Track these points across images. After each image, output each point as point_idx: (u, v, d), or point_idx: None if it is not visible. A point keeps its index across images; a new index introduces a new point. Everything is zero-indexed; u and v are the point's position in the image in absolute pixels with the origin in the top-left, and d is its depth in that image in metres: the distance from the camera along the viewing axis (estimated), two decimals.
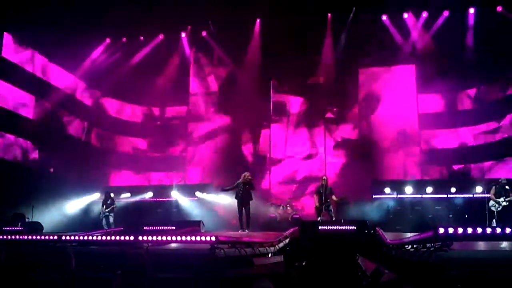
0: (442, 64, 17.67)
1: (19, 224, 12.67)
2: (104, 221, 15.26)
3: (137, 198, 17.86)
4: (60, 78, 18.35)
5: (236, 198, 12.51)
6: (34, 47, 17.09)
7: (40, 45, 17.07)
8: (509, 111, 17.11)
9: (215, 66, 21.26)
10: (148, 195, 17.91)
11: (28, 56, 17.06)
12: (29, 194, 14.96)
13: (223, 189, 12.69)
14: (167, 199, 17.81)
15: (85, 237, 8.15)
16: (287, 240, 10.30)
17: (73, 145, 18.57)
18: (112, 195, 15.75)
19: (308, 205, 17.42)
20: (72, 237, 7.87)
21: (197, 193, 17.44)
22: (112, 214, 15.37)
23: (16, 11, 15.05)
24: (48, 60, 17.77)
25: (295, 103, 20.52)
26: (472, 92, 18.51)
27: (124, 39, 20.18)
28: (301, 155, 20.04)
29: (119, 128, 21.14)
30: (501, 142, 17.18)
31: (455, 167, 18.19)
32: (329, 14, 19.28)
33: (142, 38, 20.20)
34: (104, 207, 15.39)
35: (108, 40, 20.06)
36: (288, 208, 17.30)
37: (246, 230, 12.27)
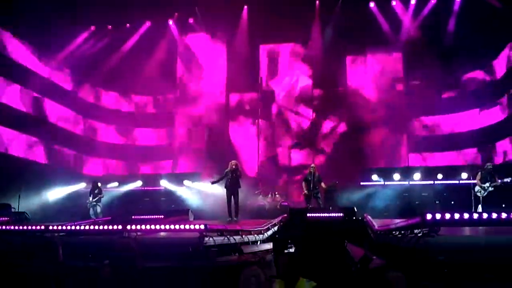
0: (428, 51, 17.73)
1: (5, 214, 12.50)
2: (91, 211, 15.05)
3: (126, 187, 17.73)
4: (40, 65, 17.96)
5: (225, 187, 12.50)
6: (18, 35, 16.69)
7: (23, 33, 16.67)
8: (494, 98, 17.23)
9: (203, 53, 21.08)
10: (137, 184, 17.77)
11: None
12: (15, 184, 14.78)
13: (214, 182, 12.62)
14: (156, 188, 17.71)
15: (73, 227, 8.10)
16: (275, 228, 10.34)
17: (59, 134, 18.29)
18: (99, 184, 15.53)
19: (297, 192, 17.51)
20: (60, 227, 7.81)
21: (186, 182, 17.38)
22: (99, 204, 15.18)
23: None
24: (29, 47, 17.33)
25: (283, 91, 20.50)
26: (458, 79, 18.62)
27: (109, 27, 19.89)
28: (290, 142, 20.08)
29: (107, 117, 20.93)
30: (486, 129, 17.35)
31: (444, 153, 18.38)
32: (317, 2, 19.21)
33: (128, 25, 19.93)
34: (92, 196, 15.18)
35: (93, 28, 19.73)
36: (277, 195, 17.33)
37: (235, 218, 12.28)
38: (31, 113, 17.14)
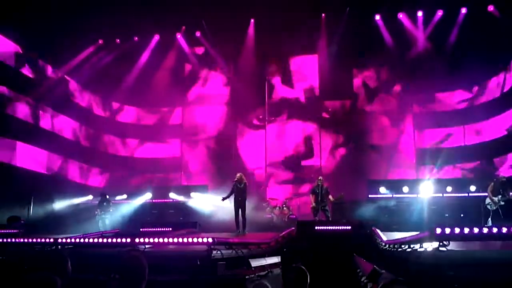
0: (434, 64, 17.71)
1: (14, 226, 12.58)
2: (100, 223, 15.06)
3: (134, 200, 17.76)
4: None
5: (233, 199, 12.48)
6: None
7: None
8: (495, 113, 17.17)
9: (211, 67, 21.24)
10: (146, 196, 17.78)
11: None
12: (25, 196, 14.86)
13: (224, 198, 12.58)
14: (164, 200, 17.73)
15: (81, 240, 8.14)
16: (283, 241, 10.30)
17: (67, 146, 18.40)
18: (107, 197, 15.52)
19: (304, 205, 17.43)
20: (68, 240, 7.86)
21: (193, 194, 17.40)
22: (108, 216, 15.12)
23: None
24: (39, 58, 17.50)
25: (290, 104, 20.56)
26: (464, 92, 18.60)
27: (118, 40, 20.10)
28: (297, 154, 20.07)
29: (115, 130, 21.06)
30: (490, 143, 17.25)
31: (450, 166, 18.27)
32: (323, 15, 19.32)
33: (136, 38, 20.14)
34: (100, 209, 15.18)
35: (100, 41, 19.95)
36: (285, 208, 17.28)
37: (243, 231, 12.25)
38: (39, 125, 17.21)
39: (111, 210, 15.26)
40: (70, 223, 15.25)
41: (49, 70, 18.05)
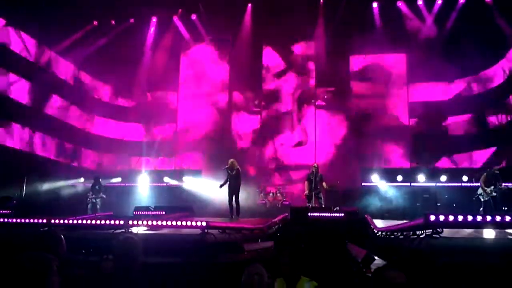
0: (432, 53, 17.67)
1: (7, 207, 12.51)
2: (90, 206, 14.72)
3: (128, 183, 17.74)
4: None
5: (227, 186, 12.48)
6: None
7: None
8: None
9: (206, 50, 21.10)
10: (139, 180, 17.75)
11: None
12: (16, 177, 14.78)
13: (222, 185, 12.54)
14: (158, 184, 17.70)
15: (75, 221, 8.11)
16: (277, 226, 10.34)
17: (58, 127, 18.31)
18: (100, 180, 15.26)
19: (298, 192, 17.50)
20: (62, 221, 7.83)
21: (187, 178, 17.39)
22: (99, 200, 14.85)
23: None
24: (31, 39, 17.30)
25: (286, 90, 20.49)
26: (461, 81, 18.59)
27: (113, 22, 19.88)
28: (291, 142, 20.07)
29: (110, 113, 20.94)
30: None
31: (444, 157, 18.34)
32: (321, 1, 19.18)
33: (132, 20, 19.93)
34: (91, 192, 14.93)
35: (95, 23, 19.71)
36: (278, 195, 17.34)
37: (237, 217, 12.27)
38: (30, 105, 17.09)
39: (102, 194, 14.99)
40: (62, 205, 15.18)
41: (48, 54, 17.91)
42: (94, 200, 14.82)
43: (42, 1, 15.57)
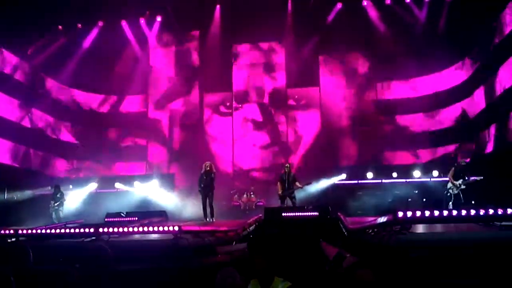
0: (399, 50, 17.96)
1: None
2: (54, 215, 14.46)
3: (99, 189, 17.43)
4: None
5: (199, 189, 12.42)
6: None
7: None
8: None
9: (175, 53, 20.97)
10: (110, 185, 17.46)
11: None
12: None
13: (200, 190, 12.45)
14: (129, 189, 17.45)
15: (43, 231, 7.90)
16: (251, 228, 10.35)
17: (29, 135, 17.83)
18: (61, 188, 14.98)
19: (273, 192, 17.54)
20: (30, 231, 7.63)
21: (157, 182, 17.18)
22: (61, 208, 14.62)
23: None
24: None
25: (257, 91, 20.53)
26: (430, 77, 18.90)
27: (79, 25, 19.53)
28: (264, 142, 20.12)
29: (76, 117, 20.52)
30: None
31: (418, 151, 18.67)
32: (289, 1, 19.35)
33: (101, 23, 19.66)
34: (53, 201, 14.62)
35: (60, 27, 19.30)
36: (252, 195, 17.36)
37: (211, 220, 12.22)
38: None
39: (64, 202, 14.79)
40: (27, 215, 14.70)
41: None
42: (56, 208, 14.58)
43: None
